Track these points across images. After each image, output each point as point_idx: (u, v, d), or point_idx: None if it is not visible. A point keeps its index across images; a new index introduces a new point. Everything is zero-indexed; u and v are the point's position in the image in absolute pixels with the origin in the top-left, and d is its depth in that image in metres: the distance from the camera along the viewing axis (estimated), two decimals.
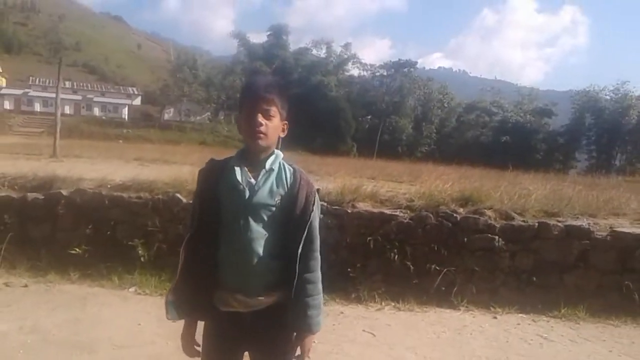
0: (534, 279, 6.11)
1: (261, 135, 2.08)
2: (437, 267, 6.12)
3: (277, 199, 2.09)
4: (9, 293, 5.59)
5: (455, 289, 6.06)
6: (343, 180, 7.26)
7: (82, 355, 4.10)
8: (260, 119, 2.08)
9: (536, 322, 5.64)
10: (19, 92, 72.23)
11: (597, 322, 5.69)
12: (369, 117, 64.61)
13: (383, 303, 5.93)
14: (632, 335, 5.36)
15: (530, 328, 5.46)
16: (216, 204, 2.10)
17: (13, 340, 4.29)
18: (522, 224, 6.37)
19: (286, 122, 2.20)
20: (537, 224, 6.32)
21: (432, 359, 4.51)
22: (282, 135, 2.20)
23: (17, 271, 6.21)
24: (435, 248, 6.25)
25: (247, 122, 2.10)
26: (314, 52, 71.33)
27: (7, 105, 68.03)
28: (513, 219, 6.45)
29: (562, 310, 5.82)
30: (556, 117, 66.74)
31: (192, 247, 2.13)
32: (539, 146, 61.37)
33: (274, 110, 2.11)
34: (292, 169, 2.18)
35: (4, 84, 79.64)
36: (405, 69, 68.16)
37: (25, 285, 5.84)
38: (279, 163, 2.16)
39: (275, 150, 2.19)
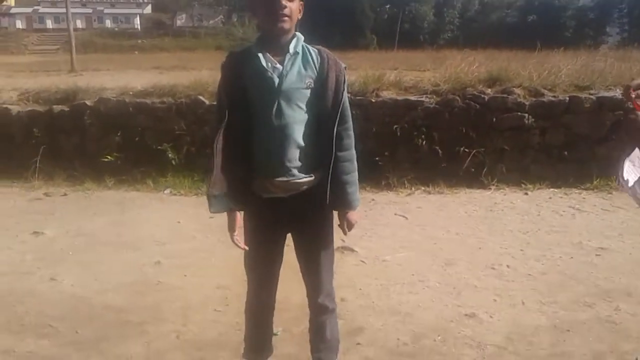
0: (566, 153, 6.06)
1: (285, 18, 1.97)
2: (466, 150, 6.09)
3: (308, 81, 2.04)
4: (51, 202, 5.81)
5: (484, 169, 6.05)
6: (365, 72, 7.08)
7: (128, 252, 4.29)
8: (283, 9, 1.95)
9: (568, 195, 5.66)
10: (29, 10, 70.88)
11: None
12: (388, 6, 61.81)
13: (413, 188, 5.99)
14: None
15: (562, 201, 5.49)
16: (244, 93, 2.04)
17: (62, 243, 4.51)
18: (553, 99, 6.21)
19: (302, 1, 2.08)
20: (568, 99, 6.16)
21: (464, 235, 4.59)
22: (299, 16, 2.07)
23: (54, 182, 6.42)
24: (463, 131, 6.18)
25: (267, 5, 1.97)
26: None
27: (19, 24, 67.20)
28: (543, 95, 6.29)
29: (595, 182, 5.81)
30: None
31: (226, 139, 2.07)
32: (568, 23, 58.48)
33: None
34: (316, 50, 2.11)
35: (13, 3, 78.08)
36: None
37: (65, 194, 6.05)
38: (302, 46, 2.08)
39: (297, 33, 2.08)
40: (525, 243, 4.37)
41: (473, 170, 6.07)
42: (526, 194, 5.75)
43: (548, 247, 4.27)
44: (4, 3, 76.96)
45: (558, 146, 6.12)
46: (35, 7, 71.74)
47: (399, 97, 6.46)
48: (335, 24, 44.49)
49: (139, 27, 67.46)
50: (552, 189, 5.84)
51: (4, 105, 7.12)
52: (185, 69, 13.74)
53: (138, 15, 72.59)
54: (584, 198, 5.54)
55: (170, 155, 6.48)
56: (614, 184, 5.71)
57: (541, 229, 4.70)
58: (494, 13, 63.45)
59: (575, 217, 5.03)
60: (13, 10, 70.77)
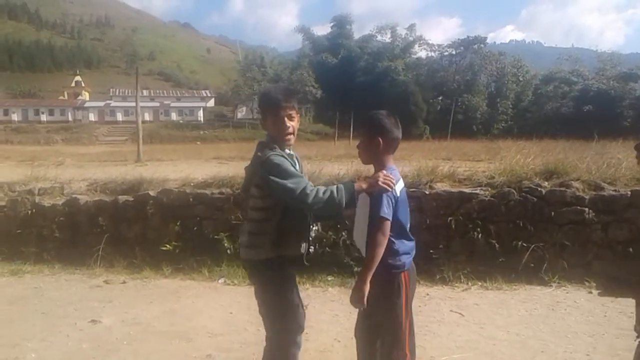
0: (630, 250, 5.78)
1: (290, 136, 2.86)
2: (524, 244, 5.92)
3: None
4: (110, 289, 5.98)
5: (545, 265, 5.84)
6: (418, 163, 7.15)
7: (180, 343, 4.32)
8: (288, 122, 2.81)
9: None
10: (101, 104, 76.78)
11: None
12: (440, 98, 63.18)
13: (469, 283, 5.82)
14: None
15: (629, 301, 5.14)
16: None
17: (117, 332, 4.59)
18: (614, 193, 6.03)
19: (299, 115, 2.95)
20: (629, 193, 5.96)
21: (525, 336, 4.37)
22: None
23: (115, 269, 6.63)
24: (521, 224, 6.04)
25: (277, 125, 2.82)
26: (379, 38, 70.59)
27: (92, 117, 72.52)
28: (603, 189, 6.12)
29: None
30: None
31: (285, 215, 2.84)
32: (625, 113, 57.60)
33: (295, 113, 2.86)
34: (294, 153, 2.94)
35: (88, 98, 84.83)
36: (475, 46, 65.97)
37: (124, 282, 6.22)
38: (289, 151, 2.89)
39: None
40: (591, 347, 4.12)
41: (532, 265, 5.87)
42: (590, 292, 5.46)
43: (616, 352, 4.01)
44: (79, 97, 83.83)
45: (622, 242, 5.85)
46: (107, 101, 77.58)
47: (454, 190, 6.44)
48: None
49: (202, 119, 71.30)
50: None
51: (74, 195, 7.57)
52: (243, 159, 14.25)
53: (202, 108, 77.03)
54: None
55: (225, 244, 6.61)
56: None
57: (608, 332, 4.42)
58: (548, 103, 63.46)
59: None
60: (87, 104, 76.76)
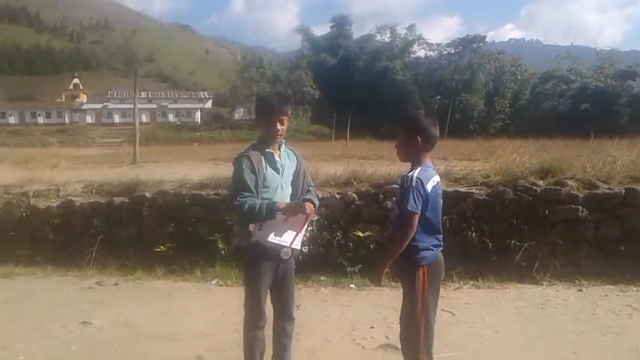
0: (622, 248, 5.79)
1: (279, 135, 3.23)
2: (517, 243, 5.93)
3: (294, 170, 3.34)
4: (102, 291, 5.97)
5: (537, 263, 5.84)
6: None
7: (171, 344, 4.31)
8: (279, 125, 3.18)
9: (625, 293, 5.35)
10: (99, 106, 76.59)
11: None
12: (438, 97, 62.96)
13: (461, 282, 5.82)
14: None
15: (618, 299, 5.18)
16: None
17: (107, 334, 4.58)
18: (608, 191, 6.04)
19: (289, 117, 3.29)
20: (624, 191, 5.98)
21: (514, 335, 4.38)
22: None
23: (107, 271, 6.63)
24: (515, 223, 6.06)
25: (268, 127, 3.20)
26: (378, 37, 70.51)
27: (89, 119, 72.33)
28: (597, 187, 6.14)
29: None
30: None
31: None
32: (622, 111, 57.53)
33: (286, 117, 3.22)
34: (291, 150, 3.40)
35: (85, 100, 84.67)
36: (474, 45, 65.84)
37: (116, 284, 6.21)
38: (284, 147, 3.32)
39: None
40: (578, 345, 4.12)
41: (524, 264, 5.87)
42: (580, 290, 5.47)
43: (603, 350, 4.01)
44: (77, 100, 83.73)
45: (614, 240, 5.86)
46: (105, 104, 77.39)
47: (449, 189, 6.43)
48: (386, 114, 45.48)
49: (199, 120, 71.16)
50: (608, 286, 5.54)
51: (69, 197, 7.56)
52: None
53: (199, 110, 76.86)
54: None
55: (220, 245, 6.60)
56: None
57: (596, 330, 4.43)
58: (545, 102, 63.36)
59: (632, 317, 4.72)
60: (85, 107, 76.59)
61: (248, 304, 3.29)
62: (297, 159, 3.39)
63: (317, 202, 3.32)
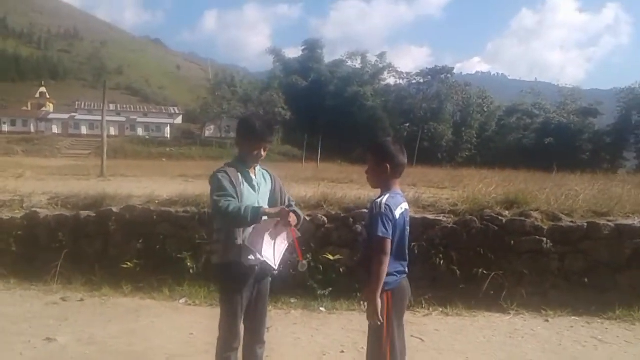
0: (586, 280, 5.95)
1: (260, 159, 3.32)
2: (485, 272, 6.03)
3: (269, 188, 3.40)
4: (66, 307, 5.82)
5: (504, 292, 5.95)
6: None
7: None
8: (262, 152, 3.29)
9: (590, 325, 5.49)
10: (65, 116, 75.13)
11: None
12: (407, 124, 64.15)
13: (430, 309, 5.88)
14: None
15: (583, 330, 5.32)
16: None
17: (72, 352, 4.47)
18: (571, 224, 6.22)
19: (270, 144, 3.47)
20: (586, 225, 6.16)
21: None
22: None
23: (73, 286, 6.46)
24: (482, 252, 6.17)
25: (251, 151, 3.27)
26: (349, 63, 71.74)
27: (55, 129, 70.83)
28: (561, 220, 6.31)
29: (617, 312, 5.64)
30: (602, 116, 64.63)
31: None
32: (584, 147, 59.68)
33: (269, 146, 3.35)
34: (266, 170, 3.48)
35: (52, 109, 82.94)
36: (442, 75, 67.59)
37: (81, 300, 6.07)
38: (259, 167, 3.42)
39: None
40: None
41: (492, 293, 5.97)
42: (547, 320, 5.60)
43: None
44: (43, 109, 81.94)
45: (578, 272, 6.03)
46: (72, 114, 75.95)
47: (418, 215, 6.53)
48: (356, 139, 46.01)
49: (168, 135, 70.51)
50: (573, 317, 5.68)
51: (34, 209, 7.38)
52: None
53: (169, 125, 76.23)
54: (606, 328, 5.36)
55: (188, 263, 6.53)
56: (637, 315, 5.55)
57: None
58: (510, 135, 65.20)
59: (597, 348, 4.85)
60: (51, 116, 74.95)
61: (224, 324, 3.26)
62: (272, 178, 3.46)
63: (301, 215, 3.34)
